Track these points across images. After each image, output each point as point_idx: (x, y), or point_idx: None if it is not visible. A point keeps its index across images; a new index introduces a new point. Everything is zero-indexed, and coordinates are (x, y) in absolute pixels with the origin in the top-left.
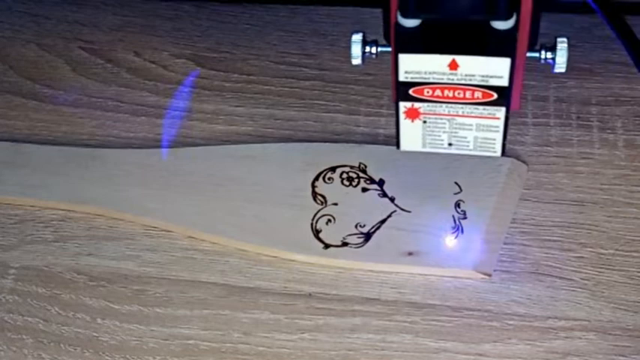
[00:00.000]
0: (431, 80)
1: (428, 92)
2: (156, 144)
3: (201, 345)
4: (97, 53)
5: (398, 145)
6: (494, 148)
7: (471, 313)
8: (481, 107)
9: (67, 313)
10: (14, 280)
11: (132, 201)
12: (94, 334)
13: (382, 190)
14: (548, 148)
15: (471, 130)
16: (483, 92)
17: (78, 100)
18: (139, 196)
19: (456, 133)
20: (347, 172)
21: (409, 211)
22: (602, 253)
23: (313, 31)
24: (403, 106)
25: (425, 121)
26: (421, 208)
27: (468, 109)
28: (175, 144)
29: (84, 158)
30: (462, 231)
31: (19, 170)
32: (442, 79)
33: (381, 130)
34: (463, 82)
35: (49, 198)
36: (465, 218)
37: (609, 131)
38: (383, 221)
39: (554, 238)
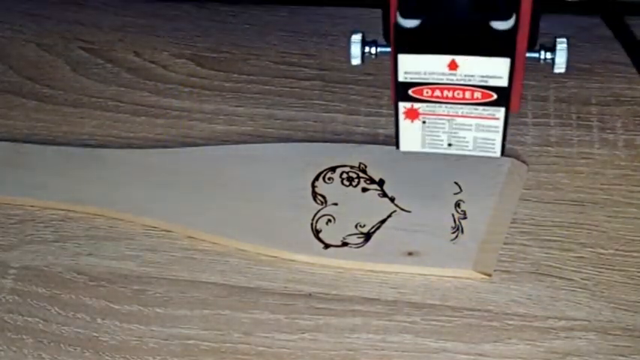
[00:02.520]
0: (430, 80)
1: (427, 92)
2: (156, 144)
3: (201, 345)
4: (97, 53)
5: (397, 145)
6: (493, 148)
7: (471, 313)
8: (480, 108)
9: (67, 313)
10: (14, 280)
11: (132, 201)
12: (94, 334)
13: (382, 190)
14: (548, 148)
15: (470, 130)
16: (483, 92)
17: (78, 99)
18: (139, 196)
19: (455, 133)
20: (347, 172)
21: (409, 211)
22: (602, 253)
23: (313, 31)
24: (402, 106)
25: (424, 122)
26: (421, 208)
27: (467, 109)
28: (175, 144)
29: (84, 158)
30: (462, 231)
31: (19, 170)
32: (441, 79)
33: (381, 130)
34: (462, 82)
35: (49, 198)
36: (465, 218)
37: (609, 131)
38: (383, 221)
39: (554, 238)
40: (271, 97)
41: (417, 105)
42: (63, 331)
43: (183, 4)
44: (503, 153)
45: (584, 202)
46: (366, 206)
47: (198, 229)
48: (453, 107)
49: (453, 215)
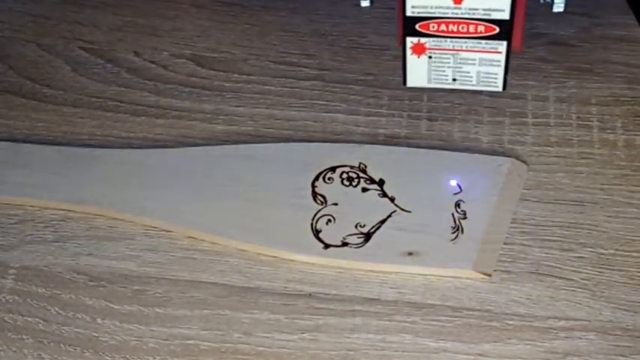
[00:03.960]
0: (436, 15)
1: (433, 27)
2: (156, 144)
3: (201, 345)
4: (97, 53)
5: (405, 81)
6: (496, 82)
7: (470, 313)
8: (484, 41)
9: (67, 313)
10: (14, 280)
11: (132, 201)
12: (94, 334)
13: (382, 190)
14: (548, 148)
15: (474, 64)
16: (486, 26)
17: (78, 99)
18: (139, 196)
19: (459, 68)
20: (347, 172)
21: (409, 211)
22: (602, 253)
23: (313, 31)
24: (410, 41)
25: (430, 57)
26: (421, 208)
27: (471, 43)
28: (175, 144)
29: (84, 158)
30: (462, 231)
31: (19, 170)
32: (447, 13)
33: (381, 130)
34: (467, 16)
35: (49, 198)
36: (465, 218)
37: (609, 131)
38: (383, 221)
39: (554, 238)
40: (271, 97)
41: (423, 40)
42: (63, 331)
43: (183, 4)
44: (505, 88)
45: (584, 202)
46: (366, 206)
47: (198, 229)
48: (458, 42)
49: (453, 215)
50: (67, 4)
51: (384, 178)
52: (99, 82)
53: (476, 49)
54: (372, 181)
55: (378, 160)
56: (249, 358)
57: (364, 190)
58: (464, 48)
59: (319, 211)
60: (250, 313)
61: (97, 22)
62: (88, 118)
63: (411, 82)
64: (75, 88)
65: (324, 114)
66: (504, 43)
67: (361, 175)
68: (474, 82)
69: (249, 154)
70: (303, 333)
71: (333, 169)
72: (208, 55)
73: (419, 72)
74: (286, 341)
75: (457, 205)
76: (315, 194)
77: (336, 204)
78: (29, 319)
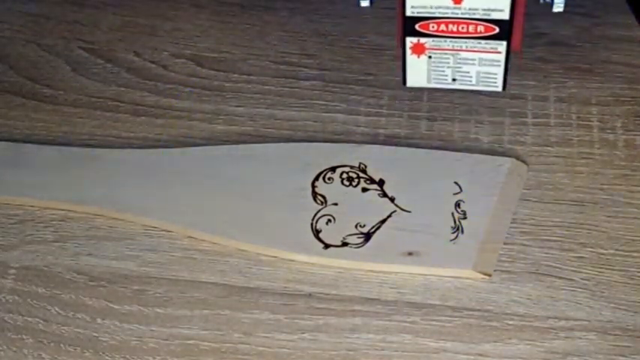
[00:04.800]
0: (436, 15)
1: (433, 27)
2: (156, 144)
3: (201, 345)
4: (97, 53)
5: (404, 81)
6: (495, 82)
7: (470, 313)
8: (483, 41)
9: (67, 313)
10: (14, 280)
11: (132, 201)
12: (94, 334)
13: (382, 190)
14: (548, 148)
15: (474, 64)
16: (486, 26)
17: (78, 99)
18: (139, 196)
19: (459, 68)
20: (347, 172)
21: (409, 211)
22: (602, 253)
23: (313, 31)
24: (409, 41)
25: (430, 57)
26: (421, 208)
27: (471, 43)
28: (175, 144)
29: (84, 158)
30: (462, 231)
31: (19, 170)
32: (447, 13)
33: (381, 130)
34: (467, 16)
35: (49, 198)
36: (465, 218)
37: (609, 131)
38: (383, 221)
39: (554, 238)
40: (271, 97)
41: (423, 40)
42: (63, 331)
43: (183, 4)
44: (504, 88)
45: (584, 202)
46: (366, 206)
47: (198, 229)
48: (458, 41)
49: (453, 215)
50: (67, 4)
51: (384, 178)
52: (99, 82)
53: (475, 49)
54: (372, 181)
55: (378, 160)
56: (249, 358)
57: (364, 190)
58: (463, 48)
59: (319, 211)
60: (250, 313)
61: (97, 22)
62: (88, 118)
63: (411, 82)
64: (75, 88)
65: (324, 114)
66: (504, 43)
67: (361, 175)
68: (474, 82)
69: (249, 154)
70: (303, 333)
71: (333, 169)
72: (208, 55)
73: (419, 72)
74: (286, 341)
75: (457, 205)
76: (315, 194)
77: (336, 204)
78: (29, 319)
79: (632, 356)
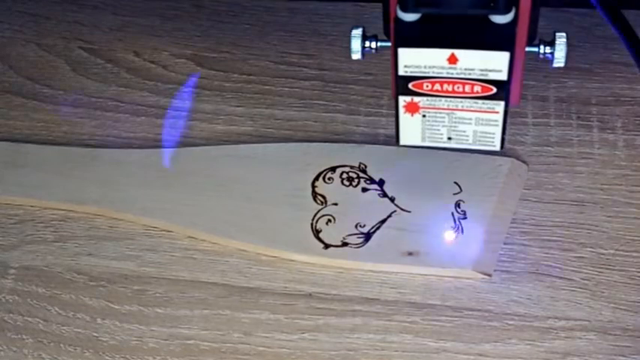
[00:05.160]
0: (430, 74)
1: (427, 86)
2: (156, 144)
3: (201, 345)
4: (97, 53)
5: (397, 139)
6: (493, 142)
7: (470, 313)
8: (480, 101)
9: (67, 313)
10: (14, 280)
11: (132, 201)
12: (94, 334)
13: (382, 190)
14: (548, 148)
15: (470, 124)
16: (482, 86)
17: (78, 100)
18: (139, 196)
19: (455, 127)
20: (347, 172)
21: (409, 211)
22: (602, 253)
23: (313, 31)
24: (403, 100)
25: (424, 115)
26: (421, 208)
27: (467, 103)
28: (175, 144)
29: (84, 158)
30: (462, 231)
31: (19, 170)
32: (441, 73)
33: (381, 130)
34: (462, 76)
35: (49, 198)
36: (465, 218)
37: (609, 131)
38: (383, 221)
39: (554, 238)
40: (271, 97)
41: (417, 99)
42: (63, 331)
43: (183, 4)
44: (502, 147)
45: (584, 202)
46: (366, 206)
47: (198, 229)
48: (453, 101)
49: (453, 215)
50: (67, 4)
51: (384, 178)
52: (99, 82)
53: (472, 108)
54: (372, 181)
55: (378, 160)
56: (249, 358)
57: (364, 190)
58: (459, 107)
59: (319, 211)
60: (250, 313)
61: (97, 22)
62: (88, 118)
63: (404, 140)
64: (75, 88)
65: (324, 114)
66: (502, 103)
67: (361, 175)
68: (471, 141)
69: (249, 154)
70: (303, 333)
71: (333, 169)
72: (208, 55)
73: (412, 130)
74: (286, 341)
75: (457, 205)
76: (315, 194)
77: (336, 204)
78: (29, 319)
79: (632, 356)
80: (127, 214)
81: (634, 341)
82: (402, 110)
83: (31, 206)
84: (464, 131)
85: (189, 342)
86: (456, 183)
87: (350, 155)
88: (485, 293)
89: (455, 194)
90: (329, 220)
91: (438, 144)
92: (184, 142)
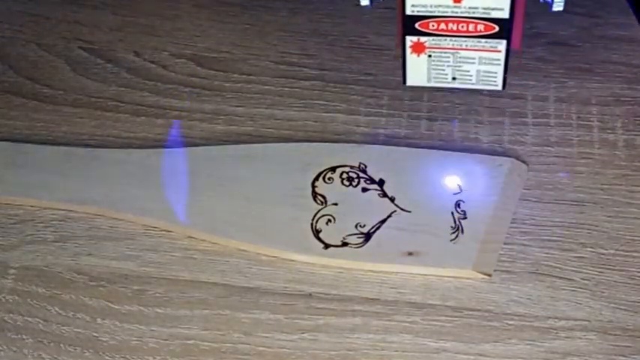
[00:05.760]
0: (436, 14)
1: (433, 26)
2: (156, 144)
3: (201, 345)
4: (97, 53)
5: (404, 80)
6: (495, 81)
7: (470, 313)
8: (483, 40)
9: (67, 313)
10: (14, 280)
11: (132, 201)
12: (94, 334)
13: (382, 190)
14: (548, 148)
15: (473, 63)
16: (486, 25)
17: (78, 99)
18: (139, 196)
19: (459, 67)
20: (347, 172)
21: (409, 211)
22: (602, 253)
23: (313, 31)
24: (409, 40)
25: (430, 55)
26: (421, 208)
27: (471, 42)
28: (175, 144)
29: (84, 158)
30: (462, 231)
31: (19, 170)
32: (447, 12)
33: (381, 130)
34: (467, 14)
35: (49, 198)
36: (465, 218)
37: (609, 131)
38: (383, 221)
39: (554, 238)
40: (271, 97)
41: (423, 39)
42: (63, 331)
43: (183, 4)
44: (504, 87)
45: (584, 202)
46: (366, 206)
47: (198, 229)
48: (458, 40)
49: (453, 215)
50: (67, 4)
51: (384, 178)
52: (99, 82)
53: (475, 47)
54: (372, 181)
55: (378, 160)
56: (249, 358)
57: (364, 190)
58: (463, 47)
59: (319, 211)
60: (250, 313)
61: (97, 22)
62: (88, 118)
63: (411, 80)
64: (75, 88)
65: (324, 114)
66: (504, 41)
67: (361, 175)
68: (474, 81)
69: (249, 154)
70: (303, 333)
71: (333, 169)
72: (208, 55)
73: (419, 71)
74: (286, 341)
75: (457, 205)
76: (315, 194)
77: (336, 204)
78: (29, 319)
79: (632, 356)
80: (127, 214)
81: (634, 341)
82: (408, 51)
83: (31, 206)
84: (467, 71)
85: (189, 342)
86: (456, 183)
87: (350, 155)
88: (485, 293)
89: (455, 194)
90: (329, 220)
91: (442, 84)
92: (184, 142)
